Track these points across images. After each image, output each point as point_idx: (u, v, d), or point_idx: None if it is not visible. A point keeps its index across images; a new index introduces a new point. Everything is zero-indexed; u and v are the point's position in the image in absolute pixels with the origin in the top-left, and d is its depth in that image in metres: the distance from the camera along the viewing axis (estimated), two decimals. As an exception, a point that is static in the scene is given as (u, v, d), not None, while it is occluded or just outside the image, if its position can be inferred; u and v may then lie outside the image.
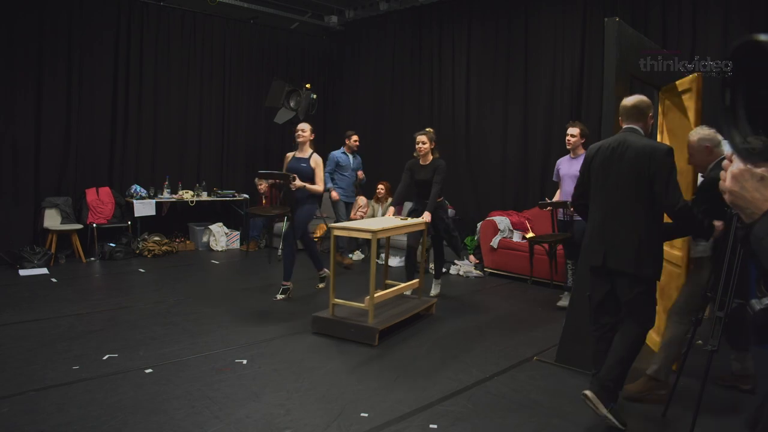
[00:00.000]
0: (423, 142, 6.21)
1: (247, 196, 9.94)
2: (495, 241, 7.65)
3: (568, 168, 6.04)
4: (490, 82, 8.86)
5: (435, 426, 3.39)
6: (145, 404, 3.58)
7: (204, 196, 9.44)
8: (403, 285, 5.70)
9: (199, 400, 3.67)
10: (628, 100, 3.58)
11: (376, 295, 5.04)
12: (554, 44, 8.03)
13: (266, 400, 3.72)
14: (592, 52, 7.51)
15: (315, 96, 8.98)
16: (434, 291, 6.64)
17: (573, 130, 6.05)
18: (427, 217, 5.94)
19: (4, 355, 4.39)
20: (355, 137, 8.41)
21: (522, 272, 7.38)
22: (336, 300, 5.15)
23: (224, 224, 9.63)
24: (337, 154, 8.32)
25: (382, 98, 10.55)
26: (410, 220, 5.86)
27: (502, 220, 7.83)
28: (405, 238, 7.68)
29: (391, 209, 6.36)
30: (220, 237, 9.43)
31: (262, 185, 9.75)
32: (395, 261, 8.35)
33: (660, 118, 4.93)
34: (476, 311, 6.09)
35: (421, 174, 6.22)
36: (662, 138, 4.91)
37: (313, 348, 4.77)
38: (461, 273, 7.84)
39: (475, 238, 8.26)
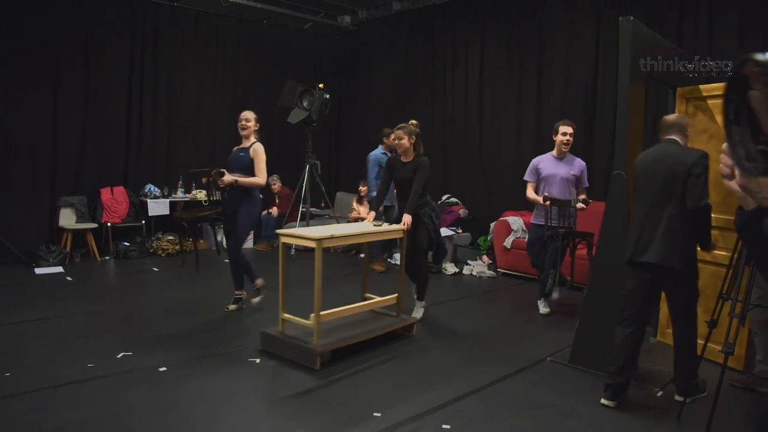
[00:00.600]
0: (399, 138, 5.50)
1: (260, 195, 9.93)
2: (508, 242, 7.63)
3: (554, 169, 5.80)
4: (503, 82, 8.84)
5: (448, 426, 3.38)
6: (159, 402, 3.60)
7: (217, 196, 9.44)
8: (372, 301, 5.09)
9: (212, 397, 3.68)
10: (671, 117, 3.96)
11: (323, 312, 4.44)
12: (568, 43, 7.99)
13: (278, 396, 3.73)
14: (607, 52, 7.46)
15: (328, 96, 8.98)
16: (416, 314, 5.63)
17: (570, 129, 5.81)
18: (406, 220, 5.17)
19: (22, 352, 4.43)
20: (393, 135, 7.94)
21: (535, 273, 7.34)
22: (285, 315, 4.61)
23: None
24: (377, 154, 7.82)
25: (395, 98, 10.54)
26: (386, 226, 5.20)
27: (515, 221, 7.80)
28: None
29: (371, 213, 5.52)
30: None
31: (276, 185, 9.78)
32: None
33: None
34: (489, 311, 6.07)
35: (401, 172, 5.49)
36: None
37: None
38: (474, 273, 7.82)
39: (488, 239, 8.24)
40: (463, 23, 9.43)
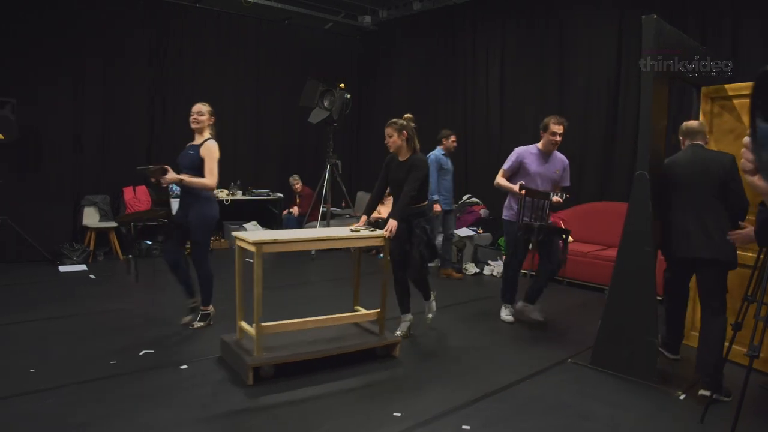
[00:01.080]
0: (389, 135, 4.91)
1: (281, 195, 10.02)
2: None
3: (539, 167, 5.42)
4: (524, 82, 8.79)
5: (468, 427, 3.37)
6: (181, 399, 3.63)
7: (239, 195, 9.55)
8: (334, 316, 4.48)
9: (234, 395, 3.70)
10: (695, 124, 4.28)
11: (266, 324, 4.05)
12: (590, 43, 7.91)
13: (301, 395, 3.75)
14: (629, 51, 7.38)
15: (349, 96, 9.00)
16: (429, 313, 5.20)
17: (562, 128, 5.40)
18: (391, 226, 4.48)
19: (47, 348, 4.50)
20: (453, 137, 7.46)
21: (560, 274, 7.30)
22: (242, 323, 4.29)
23: (259, 223, 9.70)
24: (437, 155, 7.32)
25: (415, 98, 10.52)
26: (363, 232, 4.53)
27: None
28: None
29: (363, 218, 4.93)
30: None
31: (297, 184, 9.82)
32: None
33: (702, 117, 4.83)
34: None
35: (396, 172, 4.89)
36: (710, 140, 4.79)
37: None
38: (495, 274, 7.79)
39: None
40: (483, 23, 9.39)
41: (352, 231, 4.55)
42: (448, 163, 7.39)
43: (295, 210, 9.66)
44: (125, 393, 3.69)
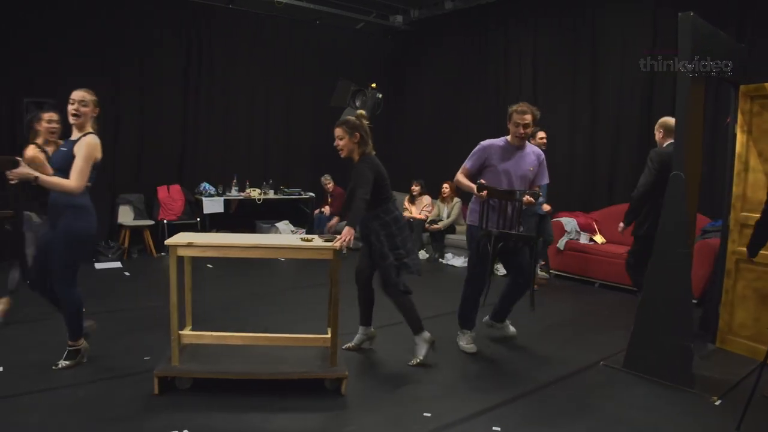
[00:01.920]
0: (339, 137, 4.37)
1: (312, 194, 10.07)
2: (561, 243, 7.51)
3: (507, 163, 4.59)
4: (557, 81, 8.70)
5: (498, 428, 3.35)
6: (211, 395, 3.65)
7: (271, 194, 9.62)
8: (268, 335, 4.07)
9: (263, 391, 3.73)
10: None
11: (187, 332, 3.96)
12: (623, 40, 7.79)
13: (331, 395, 3.76)
14: (664, 47, 7.23)
15: (380, 96, 9.00)
16: (418, 354, 4.34)
17: (529, 117, 4.56)
18: (346, 236, 3.90)
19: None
20: (541, 134, 6.84)
21: (589, 275, 7.24)
22: (182, 332, 3.94)
23: (290, 222, 9.77)
24: None
25: (447, 97, 10.49)
26: (316, 242, 3.92)
27: (568, 222, 7.67)
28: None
29: (335, 219, 4.73)
30: (287, 235, 9.59)
31: (329, 184, 9.86)
32: (459, 261, 8.26)
33: (740, 118, 4.73)
34: (541, 313, 5.96)
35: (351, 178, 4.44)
36: (749, 140, 4.70)
37: (373, 343, 4.80)
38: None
39: (541, 240, 8.12)
40: (515, 22, 9.32)
41: (302, 240, 3.97)
42: None
43: (326, 210, 9.70)
44: (159, 388, 3.73)
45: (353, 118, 4.41)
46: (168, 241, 3.78)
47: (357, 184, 4.20)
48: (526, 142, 4.71)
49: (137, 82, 8.67)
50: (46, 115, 4.84)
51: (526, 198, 4.50)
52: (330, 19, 10.42)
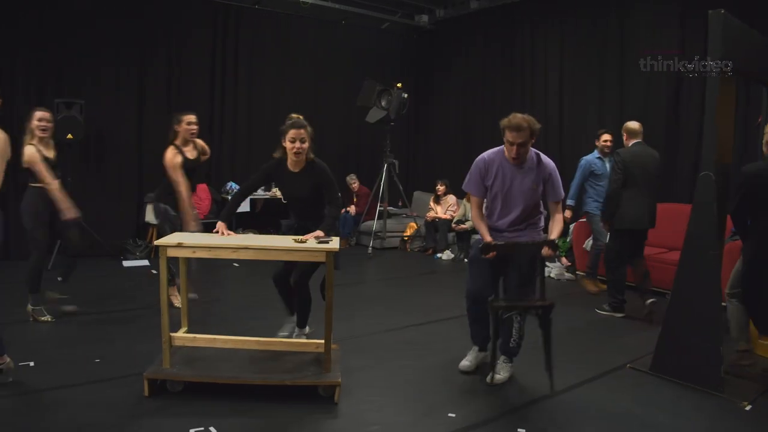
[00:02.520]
0: (302, 140, 4.11)
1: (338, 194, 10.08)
2: (588, 244, 7.43)
3: (503, 182, 3.93)
4: (583, 81, 8.61)
5: (523, 430, 3.34)
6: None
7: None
8: (261, 339, 3.96)
9: (297, 390, 3.74)
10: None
11: (178, 334, 3.88)
12: (652, 40, 7.68)
13: (357, 395, 3.77)
14: (693, 47, 7.11)
15: (406, 95, 9.02)
16: (288, 331, 4.50)
17: (519, 138, 3.75)
18: (334, 246, 3.71)
19: (111, 340, 4.70)
20: (605, 136, 6.65)
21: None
22: (174, 333, 3.87)
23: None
24: (591, 159, 6.69)
25: (473, 97, 10.46)
26: (311, 243, 3.75)
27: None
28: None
29: (222, 225, 4.10)
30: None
31: (354, 184, 9.90)
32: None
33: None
34: (566, 315, 5.91)
35: (292, 185, 4.28)
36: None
37: (400, 343, 4.81)
38: (553, 275, 7.67)
39: (568, 240, 8.07)
40: (541, 21, 9.26)
41: (295, 242, 3.76)
42: (603, 167, 6.55)
43: (352, 209, 9.73)
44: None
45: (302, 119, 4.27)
46: (157, 242, 3.77)
47: (330, 199, 4.20)
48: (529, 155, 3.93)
49: (163, 82, 8.79)
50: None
51: (545, 251, 3.84)
52: (355, 19, 10.44)
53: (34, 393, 3.64)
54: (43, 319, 5.03)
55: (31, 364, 4.07)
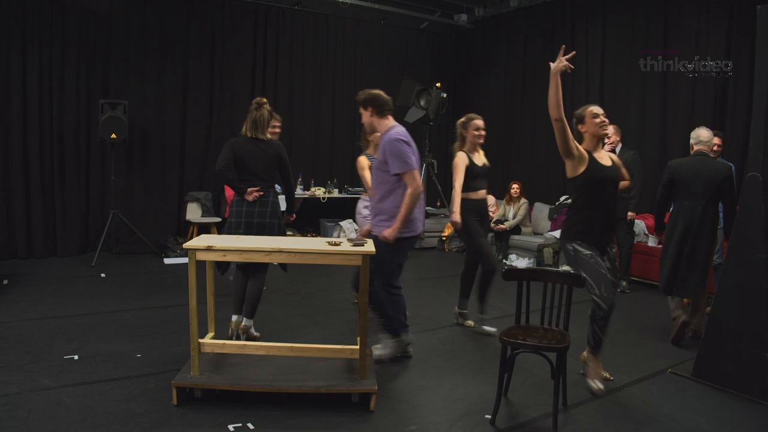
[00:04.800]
0: (280, 127, 5.16)
1: (375, 193, 10.10)
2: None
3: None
4: (625, 81, 8.45)
5: (561, 434, 3.30)
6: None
7: (335, 193, 9.71)
8: (293, 345, 3.76)
9: (329, 396, 3.76)
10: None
11: (207, 341, 3.75)
12: (696, 38, 7.49)
13: (393, 395, 3.77)
14: (740, 45, 6.94)
15: (445, 95, 8.98)
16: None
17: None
18: (370, 248, 3.67)
19: (152, 336, 4.79)
20: (716, 140, 5.96)
21: (654, 278, 7.00)
22: (202, 340, 3.73)
23: (354, 221, 9.83)
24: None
25: (512, 96, 10.37)
26: (344, 246, 3.67)
27: (637, 224, 7.45)
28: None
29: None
30: (350, 233, 9.65)
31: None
32: (523, 263, 8.14)
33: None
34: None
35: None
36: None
37: (443, 344, 4.80)
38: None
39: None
40: (583, 19, 9.12)
41: (329, 244, 3.73)
42: None
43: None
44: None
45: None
46: (186, 245, 3.73)
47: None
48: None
49: (205, 83, 8.95)
50: None
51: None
52: (395, 19, 10.45)
53: (75, 386, 3.72)
54: None
55: (75, 357, 4.18)
